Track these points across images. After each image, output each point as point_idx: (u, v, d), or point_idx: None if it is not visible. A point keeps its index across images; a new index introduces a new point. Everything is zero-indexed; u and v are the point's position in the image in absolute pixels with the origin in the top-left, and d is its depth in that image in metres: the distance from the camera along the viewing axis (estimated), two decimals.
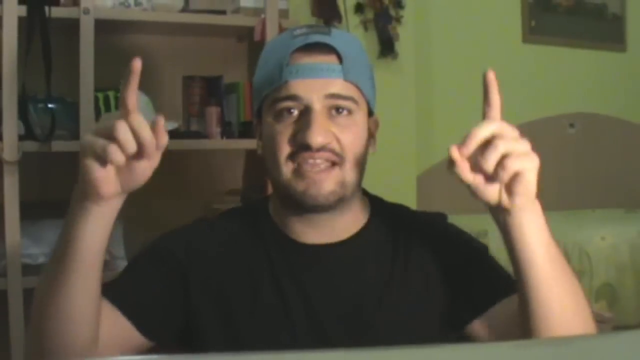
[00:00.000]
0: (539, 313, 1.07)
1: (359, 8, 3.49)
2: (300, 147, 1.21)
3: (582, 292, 1.11)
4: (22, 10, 2.26)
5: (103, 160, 0.98)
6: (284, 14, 2.70)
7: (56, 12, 2.31)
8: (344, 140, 1.22)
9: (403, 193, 3.51)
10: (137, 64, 1.01)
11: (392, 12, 3.54)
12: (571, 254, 2.94)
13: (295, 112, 1.22)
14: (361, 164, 1.26)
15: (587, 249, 2.89)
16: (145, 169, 1.03)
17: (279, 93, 1.23)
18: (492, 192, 1.03)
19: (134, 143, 0.97)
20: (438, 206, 3.81)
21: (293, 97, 1.21)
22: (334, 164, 1.22)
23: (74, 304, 1.07)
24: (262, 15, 2.61)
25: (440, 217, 1.41)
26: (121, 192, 1.05)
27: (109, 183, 1.02)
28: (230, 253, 1.30)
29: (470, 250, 1.33)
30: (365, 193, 1.38)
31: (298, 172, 1.22)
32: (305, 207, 1.23)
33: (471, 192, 1.04)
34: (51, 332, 1.09)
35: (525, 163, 0.99)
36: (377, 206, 1.37)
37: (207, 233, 1.33)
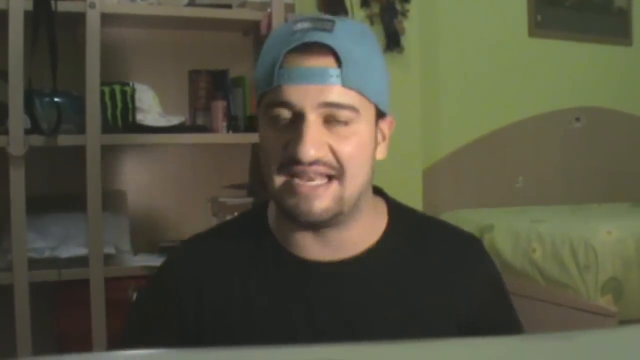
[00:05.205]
0: None
1: (365, 2, 3.49)
2: (291, 160, 1.09)
3: None
4: (28, 4, 2.26)
5: None
6: (290, 7, 2.70)
7: (62, 6, 2.31)
8: (342, 152, 1.09)
9: (409, 187, 3.51)
10: None
11: (398, 6, 3.54)
12: (577, 248, 2.93)
13: (289, 117, 1.10)
14: (364, 176, 1.14)
15: (593, 243, 2.88)
16: None
17: (271, 97, 1.11)
18: None
19: None
20: (444, 200, 3.84)
21: (285, 104, 1.09)
22: (330, 178, 1.10)
23: None
24: (268, 9, 2.61)
25: (477, 244, 1.28)
26: None
27: None
28: (228, 275, 1.20)
29: (497, 292, 1.28)
30: (380, 193, 1.27)
31: (289, 185, 1.11)
32: (298, 223, 1.13)
33: None
34: None
35: None
36: (397, 214, 1.25)
37: (200, 258, 1.23)
